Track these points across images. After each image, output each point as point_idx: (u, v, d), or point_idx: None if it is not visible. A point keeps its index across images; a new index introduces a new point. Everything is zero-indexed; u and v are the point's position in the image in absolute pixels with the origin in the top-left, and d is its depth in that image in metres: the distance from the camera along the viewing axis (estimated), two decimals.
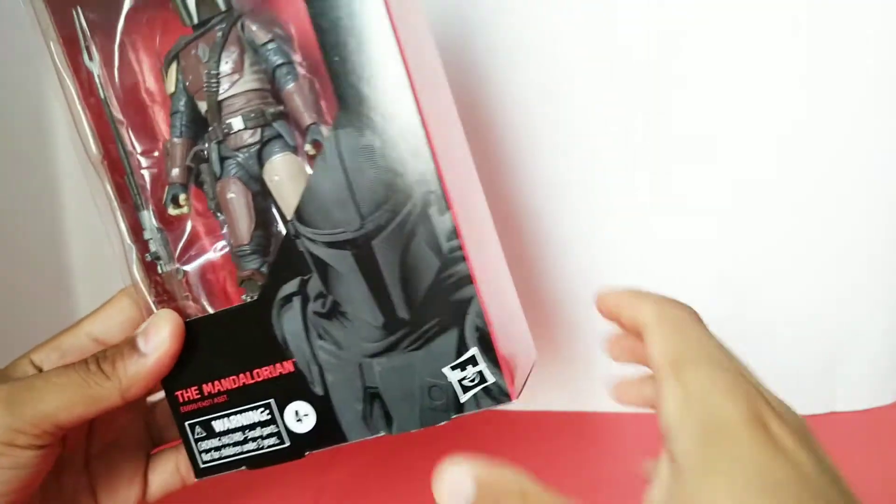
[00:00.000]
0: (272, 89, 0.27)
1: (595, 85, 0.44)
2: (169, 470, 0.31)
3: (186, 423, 0.29)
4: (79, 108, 0.27)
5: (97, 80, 0.27)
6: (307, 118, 0.26)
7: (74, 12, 0.27)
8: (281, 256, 0.26)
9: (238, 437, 0.28)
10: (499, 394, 0.26)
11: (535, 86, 0.44)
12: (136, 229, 0.29)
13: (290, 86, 0.26)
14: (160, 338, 0.25)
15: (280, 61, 0.26)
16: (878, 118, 0.43)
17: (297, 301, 0.26)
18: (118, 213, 0.28)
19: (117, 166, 0.28)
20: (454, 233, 0.24)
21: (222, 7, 0.26)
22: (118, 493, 0.30)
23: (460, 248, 0.25)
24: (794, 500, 0.17)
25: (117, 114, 0.28)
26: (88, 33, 0.27)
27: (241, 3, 0.26)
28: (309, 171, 0.27)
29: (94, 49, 0.27)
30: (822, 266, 0.46)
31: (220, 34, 0.26)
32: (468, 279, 0.25)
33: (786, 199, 0.45)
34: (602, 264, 0.47)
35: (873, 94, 0.43)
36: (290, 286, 0.26)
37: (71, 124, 0.27)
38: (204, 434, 0.28)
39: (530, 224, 0.47)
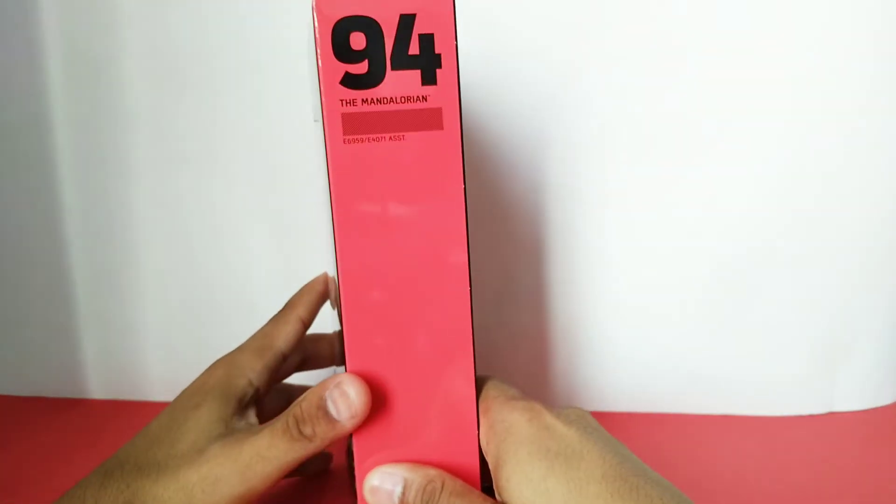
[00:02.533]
0: None
1: (592, 79, 0.44)
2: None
3: None
4: None
5: None
6: None
7: None
8: None
9: None
10: None
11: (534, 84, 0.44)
12: None
13: None
14: (350, 408, 0.27)
15: None
16: (881, 117, 0.44)
17: None
18: None
19: None
20: None
21: None
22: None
23: None
24: (560, 457, 0.25)
25: None
26: None
27: None
28: None
29: None
30: (823, 266, 0.46)
31: None
32: None
33: (786, 198, 0.45)
34: (602, 260, 0.47)
35: (877, 93, 0.43)
36: None
37: None
38: None
39: (524, 219, 0.47)
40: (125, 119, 0.46)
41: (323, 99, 0.25)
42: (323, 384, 0.28)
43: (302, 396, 0.28)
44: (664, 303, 0.47)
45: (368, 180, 0.26)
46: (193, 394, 0.32)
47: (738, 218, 0.45)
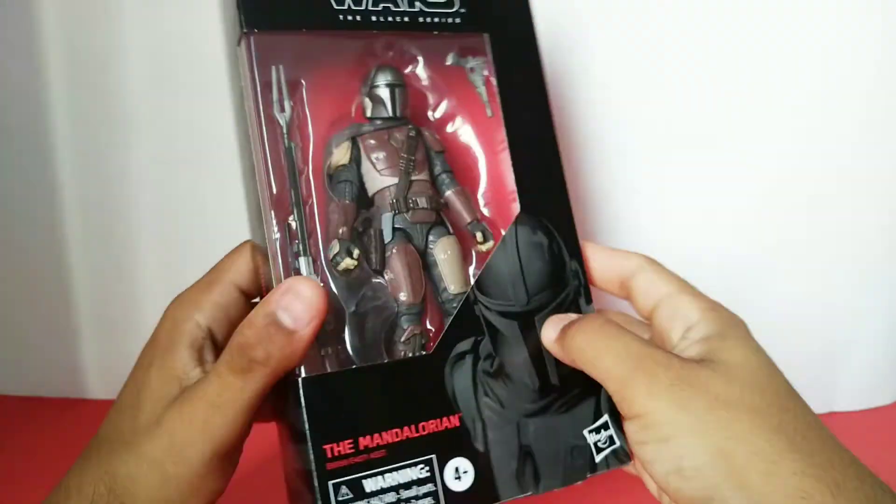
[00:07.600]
0: (434, 187, 0.33)
1: (609, 83, 0.44)
2: None
3: (330, 483, 0.26)
4: (265, 152, 0.28)
5: (284, 131, 0.30)
6: (467, 216, 0.33)
7: (274, 69, 0.29)
8: (459, 317, 0.29)
9: (390, 497, 0.26)
10: (623, 455, 0.30)
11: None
12: (288, 274, 0.28)
13: (452, 190, 0.33)
14: (308, 309, 0.24)
15: (446, 169, 0.33)
16: (882, 121, 0.44)
17: (469, 359, 0.29)
18: (278, 258, 0.28)
19: (288, 210, 0.29)
20: None
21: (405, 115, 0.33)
22: None
23: None
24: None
25: (300, 163, 0.30)
26: (285, 89, 0.30)
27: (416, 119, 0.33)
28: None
29: (286, 103, 0.30)
30: (823, 267, 0.46)
31: (412, 132, 0.32)
32: None
33: (787, 200, 0.45)
34: None
35: (877, 97, 0.43)
36: (465, 344, 0.29)
37: (256, 166, 0.28)
38: (350, 496, 0.26)
39: None
40: (125, 119, 0.46)
41: None
42: (265, 301, 0.25)
43: (242, 323, 0.25)
44: None
45: None
46: (147, 349, 0.29)
47: (739, 220, 0.45)
